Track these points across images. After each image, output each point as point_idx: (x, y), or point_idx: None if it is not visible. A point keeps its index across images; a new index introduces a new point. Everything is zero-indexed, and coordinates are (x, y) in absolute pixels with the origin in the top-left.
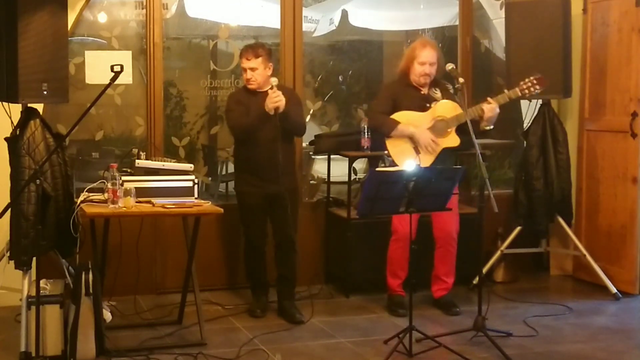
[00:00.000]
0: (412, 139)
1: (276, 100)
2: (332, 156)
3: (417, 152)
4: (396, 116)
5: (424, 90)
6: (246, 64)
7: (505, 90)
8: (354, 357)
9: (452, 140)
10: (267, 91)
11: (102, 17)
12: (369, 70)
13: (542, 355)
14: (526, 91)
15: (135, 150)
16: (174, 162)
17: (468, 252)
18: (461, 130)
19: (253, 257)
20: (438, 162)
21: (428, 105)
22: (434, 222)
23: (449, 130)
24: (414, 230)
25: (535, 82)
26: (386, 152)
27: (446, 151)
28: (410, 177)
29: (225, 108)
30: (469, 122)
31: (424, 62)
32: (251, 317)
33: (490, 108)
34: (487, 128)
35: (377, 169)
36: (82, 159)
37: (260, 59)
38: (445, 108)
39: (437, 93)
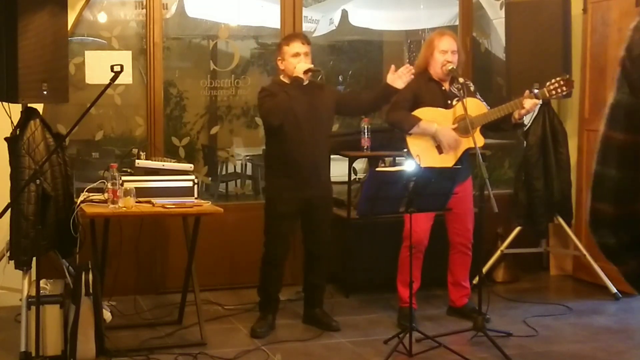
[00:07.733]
0: (434, 137)
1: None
2: (332, 156)
3: (440, 151)
4: (418, 113)
5: (445, 86)
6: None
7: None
8: (354, 357)
9: (477, 140)
10: (309, 84)
11: (102, 17)
12: (369, 70)
13: (542, 355)
14: (553, 92)
15: (135, 150)
16: (174, 162)
17: None
18: (487, 127)
19: (272, 271)
20: (461, 163)
21: (450, 102)
22: (451, 226)
23: (472, 130)
24: (427, 234)
25: (562, 83)
26: (405, 150)
27: (467, 151)
28: (410, 177)
29: (259, 101)
30: (468, 122)
31: (445, 50)
32: (251, 336)
33: (534, 103)
34: (520, 122)
35: (377, 169)
36: (82, 159)
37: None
38: (469, 106)
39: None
